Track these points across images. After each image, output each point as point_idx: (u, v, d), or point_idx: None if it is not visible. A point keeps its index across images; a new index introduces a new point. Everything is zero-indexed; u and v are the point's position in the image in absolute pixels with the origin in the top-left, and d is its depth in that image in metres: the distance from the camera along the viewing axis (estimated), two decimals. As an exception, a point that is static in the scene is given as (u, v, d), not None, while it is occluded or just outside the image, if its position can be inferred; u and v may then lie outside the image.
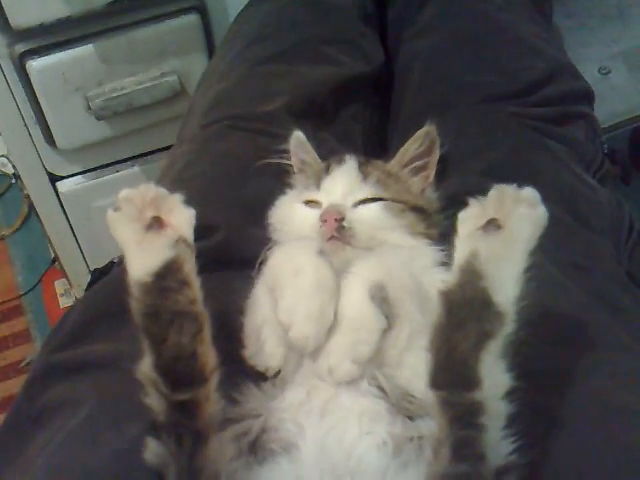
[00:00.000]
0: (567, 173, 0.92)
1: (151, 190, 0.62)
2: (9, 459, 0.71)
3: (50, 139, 1.47)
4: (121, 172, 1.55)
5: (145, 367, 0.57)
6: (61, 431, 0.68)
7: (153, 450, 0.57)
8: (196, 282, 0.60)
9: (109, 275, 0.84)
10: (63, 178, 1.53)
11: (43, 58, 1.36)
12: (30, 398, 0.74)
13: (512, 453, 0.55)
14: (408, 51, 1.15)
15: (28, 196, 1.67)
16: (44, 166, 1.52)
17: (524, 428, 0.55)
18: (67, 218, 1.58)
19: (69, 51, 1.37)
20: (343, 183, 0.78)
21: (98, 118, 1.43)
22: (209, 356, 0.57)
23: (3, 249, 2.03)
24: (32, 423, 0.72)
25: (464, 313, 0.54)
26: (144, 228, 0.60)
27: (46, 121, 1.44)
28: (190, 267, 0.59)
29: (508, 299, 0.54)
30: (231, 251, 0.80)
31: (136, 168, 1.55)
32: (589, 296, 0.77)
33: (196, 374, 0.56)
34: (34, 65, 1.36)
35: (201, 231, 0.66)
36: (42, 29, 1.32)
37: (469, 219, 0.58)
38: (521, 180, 0.58)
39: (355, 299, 0.65)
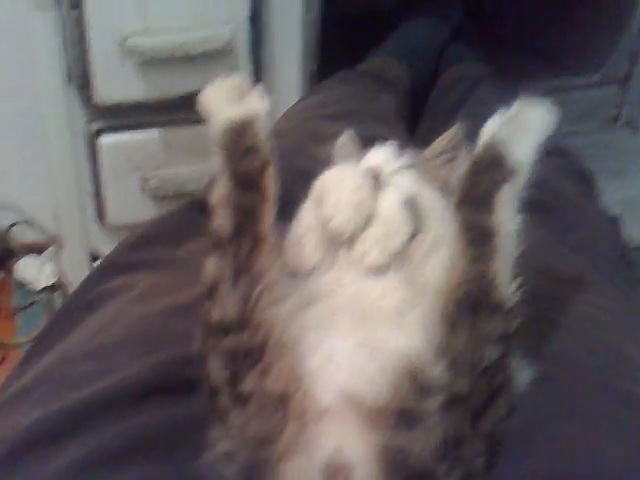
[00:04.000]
0: None
1: (239, 79, 0.71)
2: (57, 340, 0.73)
3: (101, 214, 1.59)
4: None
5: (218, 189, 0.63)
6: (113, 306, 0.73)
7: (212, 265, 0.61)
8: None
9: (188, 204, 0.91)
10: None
11: (113, 135, 1.53)
12: (85, 290, 0.79)
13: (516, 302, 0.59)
14: None
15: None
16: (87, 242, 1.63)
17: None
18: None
19: (137, 133, 1.54)
20: (382, 153, 0.88)
21: (151, 198, 1.57)
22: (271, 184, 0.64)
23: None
24: (84, 309, 0.75)
25: (484, 164, 0.63)
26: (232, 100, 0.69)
27: (101, 197, 1.58)
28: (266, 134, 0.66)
29: (522, 160, 0.63)
30: None
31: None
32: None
33: (260, 189, 0.63)
34: (105, 142, 1.53)
35: None
36: (118, 110, 1.51)
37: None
38: None
39: (389, 203, 0.73)
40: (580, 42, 2.00)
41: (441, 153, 0.93)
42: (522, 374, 0.60)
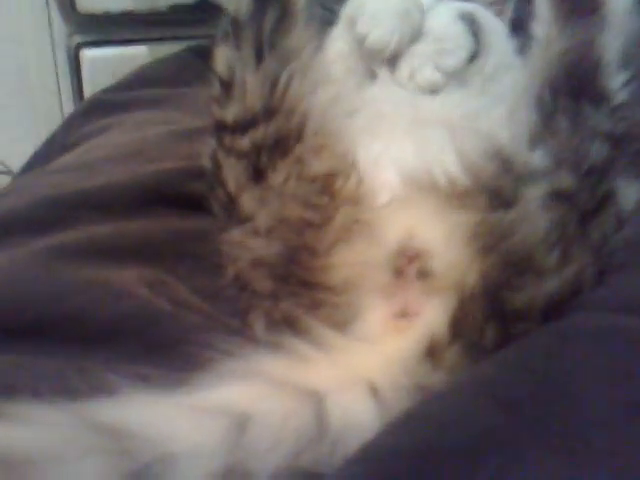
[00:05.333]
0: None
1: None
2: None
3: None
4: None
5: None
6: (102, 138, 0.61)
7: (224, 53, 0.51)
8: None
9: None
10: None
11: (97, 49, 1.39)
12: (68, 129, 0.71)
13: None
14: None
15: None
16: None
17: None
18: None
19: (123, 48, 1.40)
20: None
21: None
22: None
23: None
24: (65, 150, 0.66)
25: None
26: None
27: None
28: None
29: None
30: None
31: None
32: None
33: None
34: (88, 55, 1.39)
35: None
36: (103, 22, 1.37)
37: None
38: None
39: (443, 16, 0.60)
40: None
41: (489, 4, 0.80)
42: (631, 190, 0.49)
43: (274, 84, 0.50)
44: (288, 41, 0.52)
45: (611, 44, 0.49)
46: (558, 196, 0.47)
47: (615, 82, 0.49)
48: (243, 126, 0.50)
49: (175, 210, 0.56)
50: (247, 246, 0.50)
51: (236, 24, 0.52)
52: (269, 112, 0.50)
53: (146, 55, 1.42)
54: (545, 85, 0.49)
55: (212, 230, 0.53)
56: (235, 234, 0.51)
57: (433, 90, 0.58)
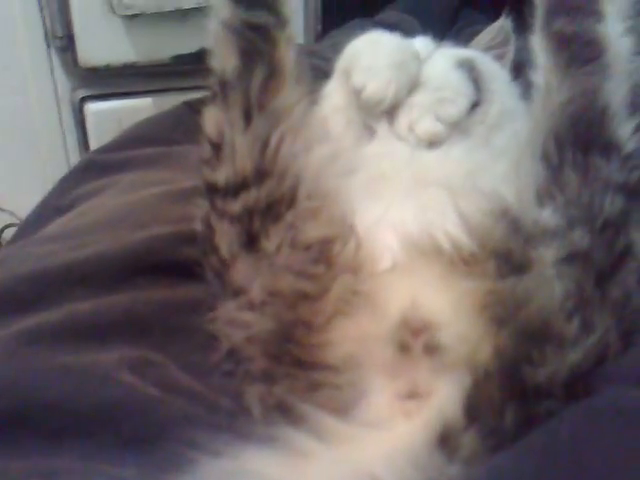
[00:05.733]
0: None
1: None
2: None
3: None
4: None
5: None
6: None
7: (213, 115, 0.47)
8: None
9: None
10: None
11: (102, 102, 1.38)
12: (61, 191, 0.67)
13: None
14: None
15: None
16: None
17: None
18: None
19: (128, 100, 1.39)
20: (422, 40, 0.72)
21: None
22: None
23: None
24: (58, 213, 0.63)
25: None
26: None
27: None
28: None
29: None
30: None
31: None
32: None
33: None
34: (92, 108, 1.38)
35: None
36: (105, 75, 1.36)
37: None
38: None
39: (440, 64, 0.57)
40: None
41: (488, 49, 0.77)
42: None
43: (264, 146, 0.48)
44: (278, 100, 0.49)
45: (616, 91, 0.46)
46: (573, 257, 0.43)
47: (625, 130, 0.46)
48: (234, 189, 0.48)
49: (165, 279, 0.52)
50: (241, 322, 0.47)
51: (223, 84, 0.50)
52: (260, 175, 0.47)
53: (151, 107, 1.41)
54: (550, 137, 0.45)
55: (205, 300, 0.50)
56: (228, 307, 0.48)
57: (434, 142, 0.54)
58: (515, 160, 0.47)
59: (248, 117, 0.48)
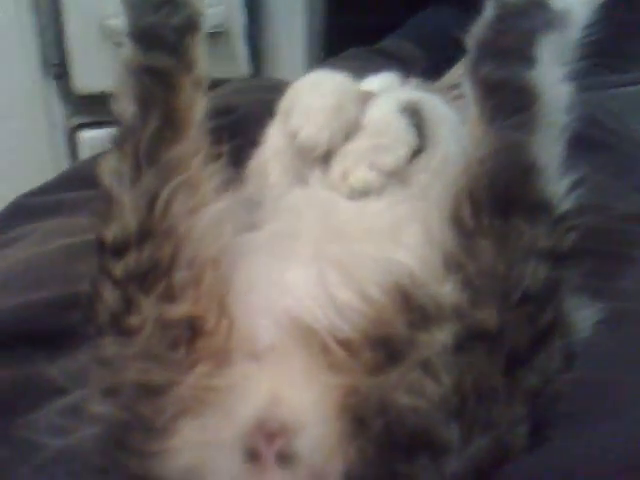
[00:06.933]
0: None
1: None
2: None
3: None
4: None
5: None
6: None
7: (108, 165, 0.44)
8: None
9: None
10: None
11: (95, 130, 1.37)
12: None
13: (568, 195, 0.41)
14: None
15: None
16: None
17: None
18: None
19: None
20: (380, 78, 0.69)
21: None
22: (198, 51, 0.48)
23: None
24: None
25: (519, 5, 0.43)
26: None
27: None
28: None
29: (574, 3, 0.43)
30: None
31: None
32: None
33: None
34: (85, 136, 1.37)
35: None
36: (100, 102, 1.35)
37: None
38: None
39: (381, 109, 0.54)
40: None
41: (453, 87, 0.74)
42: (584, 313, 0.40)
43: (152, 202, 0.42)
44: (172, 152, 0.44)
45: (547, 145, 0.40)
46: (475, 339, 0.37)
47: (556, 189, 0.40)
48: (119, 249, 0.42)
49: (43, 351, 0.46)
50: (59, 426, 0.40)
51: (122, 131, 0.46)
52: (142, 235, 0.42)
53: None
54: (464, 199, 0.40)
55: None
56: (49, 409, 0.42)
57: (368, 192, 0.50)
58: (425, 224, 0.41)
59: (138, 169, 0.43)
